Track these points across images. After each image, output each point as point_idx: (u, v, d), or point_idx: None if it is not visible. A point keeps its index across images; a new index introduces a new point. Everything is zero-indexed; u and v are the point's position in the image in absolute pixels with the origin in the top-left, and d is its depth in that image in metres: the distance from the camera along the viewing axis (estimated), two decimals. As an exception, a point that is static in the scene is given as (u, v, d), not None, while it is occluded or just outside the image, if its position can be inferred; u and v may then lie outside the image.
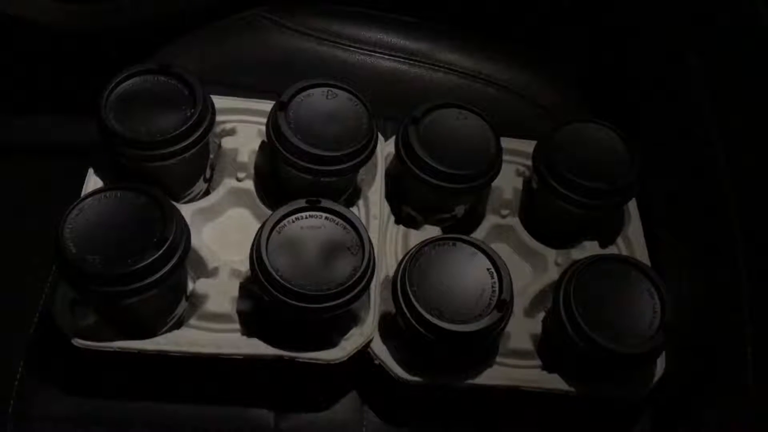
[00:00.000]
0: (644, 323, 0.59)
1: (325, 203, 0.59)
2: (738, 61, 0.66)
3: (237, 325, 0.60)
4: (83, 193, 0.62)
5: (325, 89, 0.65)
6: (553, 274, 0.67)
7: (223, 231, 0.67)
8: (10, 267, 0.68)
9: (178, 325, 0.61)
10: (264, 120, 0.65)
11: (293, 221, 0.58)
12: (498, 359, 0.62)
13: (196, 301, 0.61)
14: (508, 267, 0.59)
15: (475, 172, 0.65)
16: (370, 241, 0.58)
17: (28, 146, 0.80)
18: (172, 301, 0.61)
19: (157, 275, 0.54)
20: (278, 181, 0.67)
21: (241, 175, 0.67)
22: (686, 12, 0.73)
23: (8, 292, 0.67)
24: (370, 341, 0.61)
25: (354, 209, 0.67)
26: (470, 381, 0.60)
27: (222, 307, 0.60)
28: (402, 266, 0.59)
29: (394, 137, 0.69)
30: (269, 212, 0.61)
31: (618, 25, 0.86)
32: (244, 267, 0.61)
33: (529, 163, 0.70)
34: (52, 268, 0.66)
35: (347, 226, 0.59)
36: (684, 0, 0.74)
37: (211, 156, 0.69)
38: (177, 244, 0.55)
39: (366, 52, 0.84)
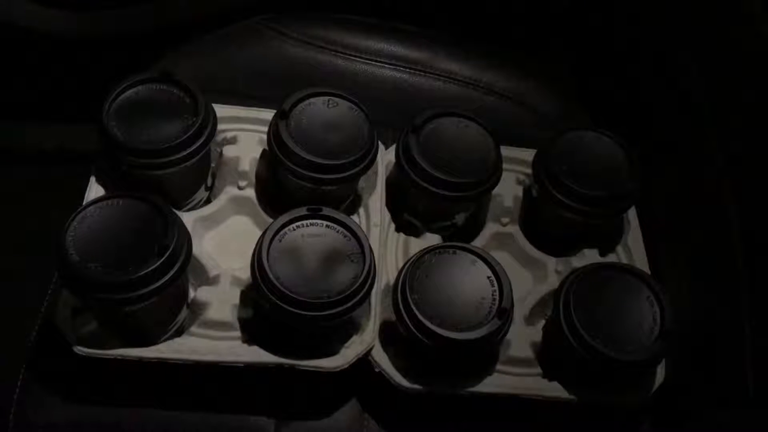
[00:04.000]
0: (644, 331, 0.59)
1: (326, 211, 0.59)
2: (737, 65, 0.67)
3: (238, 333, 0.60)
4: (85, 201, 0.62)
5: (326, 98, 0.65)
6: (553, 281, 0.67)
7: (224, 239, 0.67)
8: (12, 274, 0.68)
9: (179, 332, 0.61)
10: (265, 128, 0.65)
11: (294, 229, 0.58)
12: (498, 367, 0.62)
13: (197, 308, 0.61)
14: (508, 275, 0.60)
15: (476, 180, 0.65)
16: (370, 248, 0.58)
17: (32, 154, 0.80)
18: (173, 309, 0.61)
19: (159, 283, 0.54)
20: (279, 189, 0.68)
21: (242, 183, 0.68)
22: (685, 17, 0.73)
23: (10, 299, 0.67)
24: (371, 349, 0.61)
25: (355, 217, 0.68)
26: (470, 389, 0.60)
27: (223, 314, 0.60)
28: (402, 274, 0.59)
29: (394, 146, 0.69)
30: (270, 220, 0.61)
31: (617, 34, 0.87)
32: (245, 275, 0.61)
33: (530, 171, 0.70)
34: (53, 276, 0.66)
35: (348, 234, 0.59)
36: (682, 4, 0.74)
37: (213, 164, 0.69)
38: (178, 252, 0.55)
39: (366, 61, 0.84)
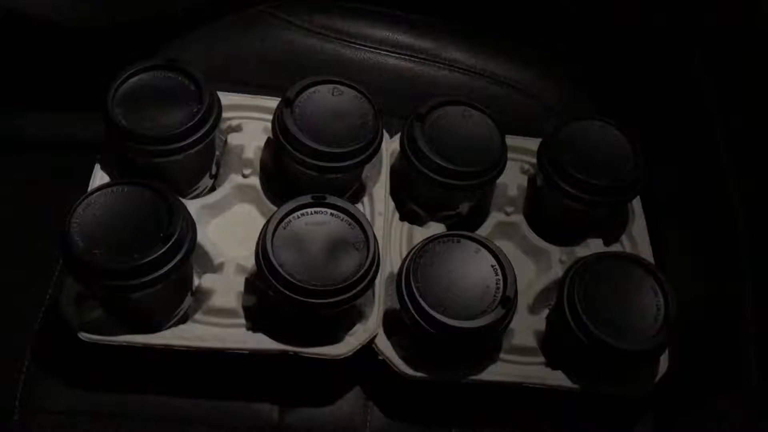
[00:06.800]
0: (648, 321, 0.59)
1: (331, 199, 0.59)
2: (741, 57, 0.66)
3: (242, 320, 0.60)
4: (90, 188, 0.62)
5: (331, 86, 0.65)
6: (557, 271, 0.67)
7: (229, 227, 0.67)
8: (15, 261, 0.68)
9: (184, 319, 0.61)
10: (270, 116, 0.65)
11: (299, 217, 0.58)
12: (502, 356, 0.62)
13: (201, 296, 0.61)
14: (512, 264, 0.60)
15: (480, 169, 0.65)
16: (374, 237, 0.58)
17: (36, 142, 0.80)
18: (177, 296, 0.61)
19: (163, 270, 0.54)
20: (284, 177, 0.68)
21: (246, 171, 0.68)
22: (689, 8, 0.73)
23: (14, 286, 0.67)
24: (375, 337, 0.61)
25: (359, 205, 0.68)
26: (474, 377, 0.61)
27: (227, 302, 0.60)
28: (406, 262, 0.59)
29: (399, 134, 0.69)
30: (274, 208, 0.61)
31: (621, 23, 0.86)
32: (250, 262, 0.61)
33: (534, 160, 0.70)
34: (58, 263, 0.66)
35: (352, 222, 0.59)
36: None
37: (217, 152, 0.69)
38: (183, 240, 0.56)
39: (371, 49, 0.84)
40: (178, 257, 0.55)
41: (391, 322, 0.62)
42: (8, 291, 0.67)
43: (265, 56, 0.82)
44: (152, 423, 0.61)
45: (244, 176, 0.68)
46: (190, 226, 0.57)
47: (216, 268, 0.63)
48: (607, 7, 0.87)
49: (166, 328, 0.59)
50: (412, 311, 0.57)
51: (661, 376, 0.63)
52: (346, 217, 0.59)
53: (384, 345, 0.61)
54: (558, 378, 0.61)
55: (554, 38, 0.93)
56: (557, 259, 0.68)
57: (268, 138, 0.69)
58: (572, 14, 0.91)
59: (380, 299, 0.62)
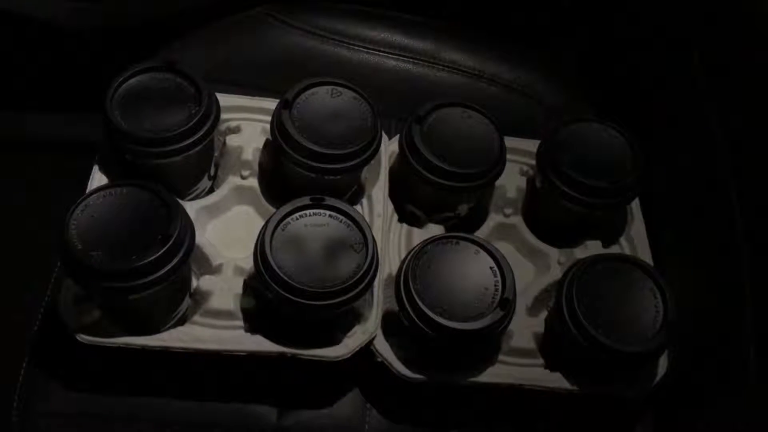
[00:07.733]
0: (647, 322, 0.59)
1: (329, 201, 0.59)
2: (741, 58, 0.66)
3: (240, 322, 0.60)
4: (88, 189, 0.62)
5: (330, 88, 0.65)
6: (556, 273, 0.67)
7: (228, 228, 0.67)
8: (14, 263, 0.69)
9: (182, 321, 0.61)
10: (268, 118, 0.65)
11: (297, 219, 0.58)
12: (500, 357, 0.62)
13: (199, 297, 0.61)
14: (511, 266, 0.60)
15: (479, 170, 0.65)
16: (373, 239, 0.58)
17: (34, 143, 0.80)
18: (176, 298, 0.61)
19: (162, 272, 0.54)
20: (282, 178, 0.68)
21: (245, 172, 0.68)
22: (688, 10, 0.73)
23: (12, 288, 0.67)
24: (373, 339, 0.61)
25: (358, 207, 0.68)
26: (472, 379, 0.61)
27: (226, 304, 0.60)
28: (405, 264, 0.59)
29: (398, 136, 0.69)
30: (273, 210, 0.61)
31: (620, 25, 0.86)
32: (248, 264, 0.61)
33: (533, 162, 0.70)
34: (56, 265, 0.66)
35: (351, 224, 0.59)
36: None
37: (216, 154, 0.69)
38: (181, 241, 0.55)
39: (370, 50, 0.84)
40: (177, 259, 0.55)
41: (390, 324, 0.62)
42: (7, 292, 0.67)
43: (264, 58, 0.82)
44: (150, 425, 0.61)
45: (243, 178, 0.68)
46: (189, 227, 0.57)
47: (214, 270, 0.63)
48: (607, 7, 0.87)
49: (165, 330, 0.59)
50: (411, 313, 0.57)
51: (660, 378, 0.63)
52: (344, 219, 0.59)
53: (383, 347, 0.61)
54: (557, 380, 0.61)
55: (554, 39, 0.93)
56: (556, 261, 0.68)
57: (267, 139, 0.69)
58: (572, 15, 0.91)
59: (379, 301, 0.62)
